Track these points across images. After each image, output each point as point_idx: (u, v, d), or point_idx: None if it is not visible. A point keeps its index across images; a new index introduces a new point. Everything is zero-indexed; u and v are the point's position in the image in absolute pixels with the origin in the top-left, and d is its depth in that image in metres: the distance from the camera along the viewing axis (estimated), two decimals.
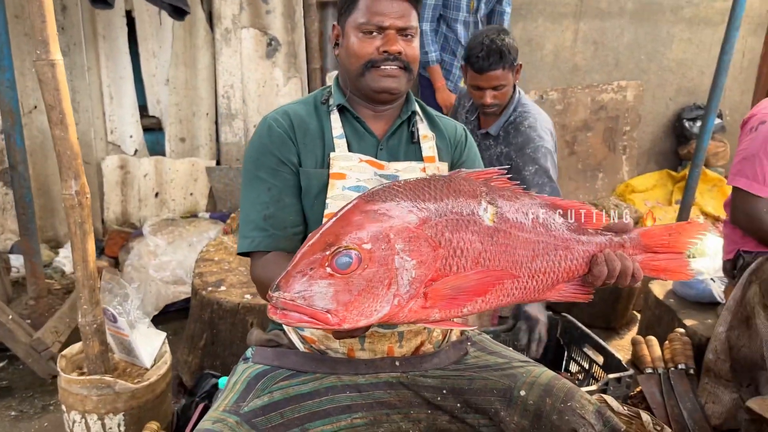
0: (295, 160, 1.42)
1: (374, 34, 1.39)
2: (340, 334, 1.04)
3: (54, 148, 1.66)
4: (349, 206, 1.00)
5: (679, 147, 4.84)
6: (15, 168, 2.53)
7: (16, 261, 2.98)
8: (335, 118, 1.46)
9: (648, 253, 1.21)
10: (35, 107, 3.12)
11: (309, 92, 3.50)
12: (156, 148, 3.44)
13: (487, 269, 1.02)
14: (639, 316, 3.00)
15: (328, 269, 0.92)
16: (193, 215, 3.46)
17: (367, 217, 0.96)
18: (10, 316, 2.28)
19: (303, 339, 1.40)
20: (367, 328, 1.03)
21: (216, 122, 3.43)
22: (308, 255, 0.94)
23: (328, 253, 0.92)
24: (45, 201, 3.23)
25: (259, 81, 3.44)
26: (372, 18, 1.38)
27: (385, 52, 1.37)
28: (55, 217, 3.28)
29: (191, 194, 3.48)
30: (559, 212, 1.14)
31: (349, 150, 1.45)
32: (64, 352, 1.91)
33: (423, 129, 1.50)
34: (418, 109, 1.52)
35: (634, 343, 2.41)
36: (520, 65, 2.33)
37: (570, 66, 4.31)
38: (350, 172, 1.40)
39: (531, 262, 1.07)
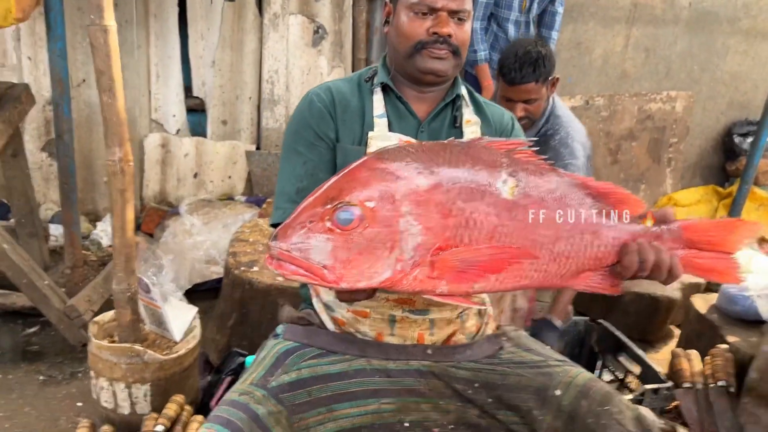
0: (332, 136, 1.41)
1: (426, 14, 1.37)
2: (342, 296, 1.00)
3: (101, 114, 1.67)
4: (358, 163, 0.96)
5: (727, 162, 4.69)
6: (61, 137, 2.57)
7: (56, 230, 3.03)
8: (378, 97, 1.44)
9: (691, 249, 1.09)
10: (84, 81, 3.16)
11: None
12: (197, 129, 3.46)
13: (503, 245, 0.95)
14: (677, 331, 2.91)
15: (328, 224, 0.88)
16: (229, 198, 3.47)
17: (374, 174, 0.92)
18: (46, 282, 2.31)
19: (333, 320, 1.38)
20: (372, 292, 0.99)
21: (258, 107, 3.44)
22: (310, 208, 0.91)
23: (329, 207, 0.89)
24: (87, 174, 3.28)
25: (303, 68, 3.43)
26: None
27: (435, 33, 1.34)
28: (95, 190, 3.33)
29: (229, 177, 3.49)
30: (590, 194, 1.05)
31: (390, 130, 1.43)
32: (96, 319, 1.93)
33: (468, 114, 1.46)
34: (464, 93, 1.48)
35: (674, 355, 2.32)
36: (557, 78, 2.24)
37: (618, 72, 4.21)
38: None
39: (553, 244, 0.99)
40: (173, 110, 3.35)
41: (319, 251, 0.87)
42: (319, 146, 1.40)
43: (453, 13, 1.36)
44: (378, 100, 1.44)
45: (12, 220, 2.80)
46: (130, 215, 1.72)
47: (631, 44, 4.16)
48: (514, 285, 0.99)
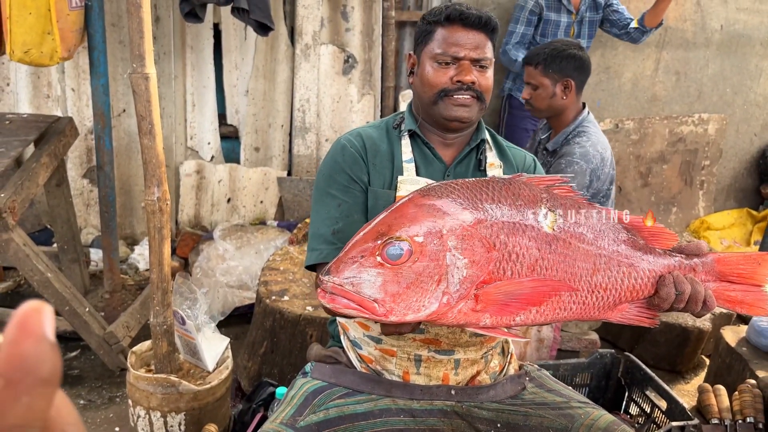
0: (365, 179, 1.46)
1: (449, 64, 1.42)
2: (387, 328, 1.03)
3: (141, 156, 1.76)
4: (405, 200, 1.00)
5: (762, 185, 4.62)
6: (102, 168, 2.68)
7: (95, 255, 3.15)
8: (405, 142, 1.50)
9: (722, 282, 1.12)
10: (124, 110, 3.29)
11: (381, 110, 3.59)
12: (231, 156, 3.56)
13: (544, 278, 0.99)
14: (707, 361, 2.88)
15: (379, 258, 0.92)
16: (261, 222, 3.56)
17: (421, 210, 0.96)
18: (87, 309, 2.41)
19: (360, 358, 1.43)
20: (416, 325, 1.02)
21: (290, 134, 3.53)
22: (360, 243, 0.94)
23: (379, 242, 0.92)
24: (125, 200, 3.40)
25: (334, 96, 3.51)
26: (448, 49, 1.42)
27: (458, 81, 1.40)
28: (133, 215, 3.45)
29: (261, 202, 3.58)
30: (625, 227, 1.08)
31: (417, 174, 1.48)
32: (134, 349, 2.01)
33: (491, 157, 1.51)
34: (488, 137, 1.53)
35: (701, 391, 2.31)
36: (568, 81, 2.28)
37: (649, 95, 4.19)
38: None
39: (591, 276, 1.02)
40: (208, 138, 3.46)
41: (370, 285, 0.91)
42: (354, 189, 1.45)
43: (475, 61, 1.41)
44: (406, 146, 1.50)
45: (55, 246, 2.92)
46: (167, 252, 1.80)
47: (661, 68, 4.15)
48: (553, 317, 1.02)
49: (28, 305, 0.29)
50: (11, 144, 2.44)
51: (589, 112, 2.41)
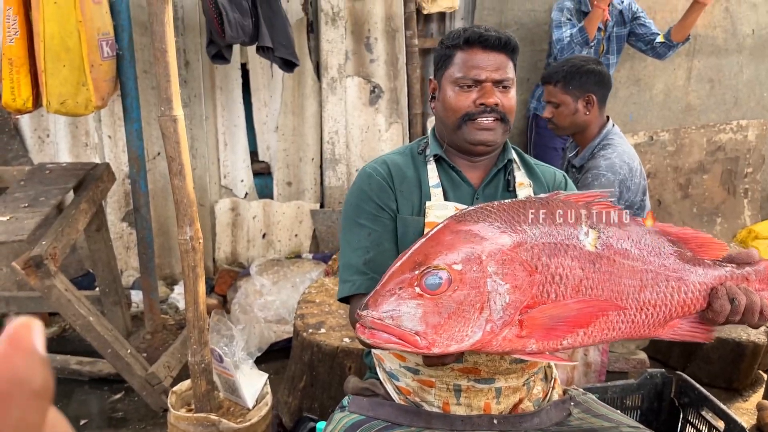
0: (393, 207, 1.45)
1: (471, 87, 1.41)
2: (430, 360, 1.00)
3: (173, 196, 1.79)
4: (440, 226, 0.97)
5: None
6: (138, 211, 2.74)
7: (136, 296, 3.20)
8: (432, 167, 1.48)
9: None
10: (159, 153, 3.37)
11: (410, 137, 3.59)
12: (264, 192, 3.60)
13: (590, 298, 0.94)
14: (765, 376, 2.74)
15: (417, 289, 0.89)
16: (297, 256, 3.57)
17: (458, 237, 0.93)
18: (129, 351, 2.43)
19: (398, 389, 1.40)
20: (460, 355, 0.99)
21: (321, 167, 3.55)
22: (397, 275, 0.92)
23: (417, 272, 0.90)
24: (164, 240, 3.46)
25: (362, 127, 3.54)
26: (469, 72, 1.40)
27: (482, 104, 1.38)
28: (172, 256, 3.50)
29: (296, 235, 3.60)
30: (671, 240, 1.03)
31: (445, 199, 1.46)
32: (174, 389, 2.01)
33: (520, 177, 1.48)
34: (515, 156, 1.51)
35: (760, 408, 2.19)
36: (590, 96, 2.26)
37: (683, 105, 4.10)
38: None
39: (639, 293, 0.97)
40: (241, 175, 3.51)
41: (410, 318, 0.88)
42: (383, 217, 1.44)
43: (497, 83, 1.40)
44: (432, 171, 1.48)
45: (97, 290, 2.98)
46: (202, 290, 1.82)
47: (693, 76, 4.06)
48: (602, 338, 0.98)
49: (18, 320, 0.30)
50: (51, 192, 2.51)
51: (614, 125, 2.38)
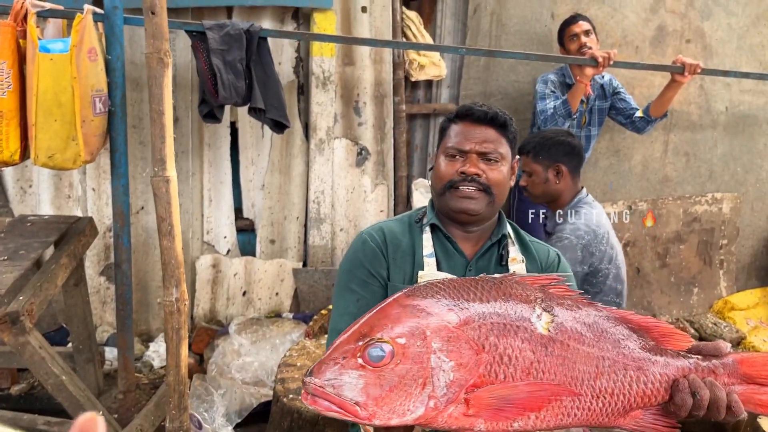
0: (384, 274, 1.46)
1: (457, 157, 1.47)
2: (378, 430, 0.98)
3: (160, 255, 1.77)
4: (390, 299, 0.98)
5: None
6: (120, 266, 2.70)
7: (110, 354, 3.11)
8: (427, 236, 1.51)
9: (750, 385, 1.02)
10: (142, 208, 3.35)
11: (395, 199, 3.63)
12: (247, 248, 3.58)
13: (541, 382, 0.93)
14: None
15: (360, 360, 0.89)
16: (277, 315, 3.52)
17: (404, 311, 0.93)
18: (101, 412, 2.35)
19: None
20: (410, 428, 0.97)
21: (305, 226, 3.56)
22: (343, 344, 0.92)
23: (361, 344, 0.90)
24: (141, 296, 3.39)
25: (348, 187, 3.57)
26: (456, 143, 1.47)
27: (462, 173, 1.43)
28: (149, 312, 3.43)
29: (277, 294, 3.56)
30: (631, 328, 1.01)
31: (438, 268, 1.48)
32: None
33: (513, 252, 1.51)
34: (510, 231, 1.54)
35: None
36: (559, 166, 2.37)
37: (660, 177, 4.22)
38: None
39: (594, 380, 0.96)
40: (224, 232, 3.49)
41: (351, 388, 0.88)
42: (372, 284, 1.45)
43: (482, 155, 1.45)
44: (427, 240, 1.51)
45: (70, 346, 2.90)
46: (185, 353, 1.78)
47: (670, 149, 4.20)
48: (556, 423, 0.96)
49: (85, 416, 0.34)
50: (32, 246, 2.47)
51: (587, 194, 2.46)
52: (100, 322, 3.37)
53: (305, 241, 3.58)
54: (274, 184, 3.48)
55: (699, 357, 1.03)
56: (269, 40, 2.80)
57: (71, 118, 2.37)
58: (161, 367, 3.17)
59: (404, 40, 3.53)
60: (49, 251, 2.65)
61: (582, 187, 2.46)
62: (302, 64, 3.46)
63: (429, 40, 3.62)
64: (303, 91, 3.48)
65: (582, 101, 3.29)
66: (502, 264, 1.49)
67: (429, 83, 3.81)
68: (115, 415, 2.57)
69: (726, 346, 1.04)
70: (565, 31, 3.33)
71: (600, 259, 2.30)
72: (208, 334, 3.35)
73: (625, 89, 3.50)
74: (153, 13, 1.60)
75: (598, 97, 3.41)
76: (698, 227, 4.29)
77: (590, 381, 0.96)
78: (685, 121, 4.18)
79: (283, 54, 3.39)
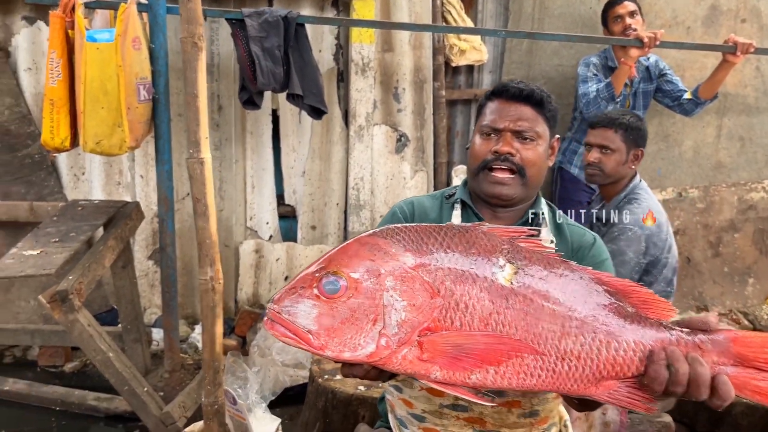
0: None
1: (491, 135, 1.44)
2: (343, 370, 0.98)
3: (196, 237, 1.82)
4: (356, 237, 0.99)
5: None
6: (164, 250, 2.79)
7: (157, 334, 3.22)
8: (456, 213, 1.50)
9: (747, 369, 0.93)
10: (188, 194, 3.44)
11: (435, 185, 3.61)
12: (289, 234, 3.64)
13: (499, 334, 0.91)
14: None
15: (315, 291, 0.91)
16: None
17: (363, 248, 0.94)
18: (145, 389, 2.44)
19: None
20: (379, 373, 0.97)
21: (345, 212, 3.59)
22: (304, 275, 0.94)
23: (317, 275, 0.92)
24: (187, 280, 3.50)
25: (387, 174, 3.57)
26: (490, 121, 1.44)
27: (495, 152, 1.40)
28: (195, 295, 3.53)
29: None
30: (608, 291, 0.96)
31: None
32: (186, 430, 2.01)
33: (544, 233, 1.47)
34: (544, 211, 1.50)
35: None
36: (641, 150, 2.32)
37: (712, 162, 4.06)
38: None
39: (559, 340, 0.91)
40: (266, 218, 3.56)
41: (305, 316, 0.90)
42: None
43: (517, 133, 1.42)
44: (456, 217, 1.49)
45: (119, 326, 3.02)
46: (219, 330, 1.83)
47: (723, 134, 4.03)
48: (519, 383, 0.93)
49: None
50: (81, 228, 2.58)
51: (641, 180, 2.39)
52: (148, 305, 3.49)
53: (345, 227, 3.61)
54: (315, 170, 3.53)
55: (684, 330, 0.95)
56: (309, 27, 2.82)
57: (117, 105, 2.46)
58: None
59: (444, 24, 3.51)
60: (99, 234, 2.76)
61: (636, 173, 2.40)
62: (342, 51, 3.48)
63: (470, 25, 3.58)
64: (342, 78, 3.50)
65: (626, 84, 3.19)
66: None
67: (470, 68, 3.77)
68: (161, 393, 2.67)
69: (716, 320, 0.96)
70: (609, 12, 3.23)
71: (661, 249, 2.24)
72: (250, 317, 3.43)
73: (672, 71, 3.38)
74: None
75: (643, 79, 3.31)
76: (754, 215, 4.10)
77: (554, 341, 0.92)
78: (741, 104, 4.00)
79: (323, 41, 3.42)
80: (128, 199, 3.37)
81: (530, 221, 1.48)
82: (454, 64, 3.61)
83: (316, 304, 0.91)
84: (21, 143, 3.23)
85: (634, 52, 3.00)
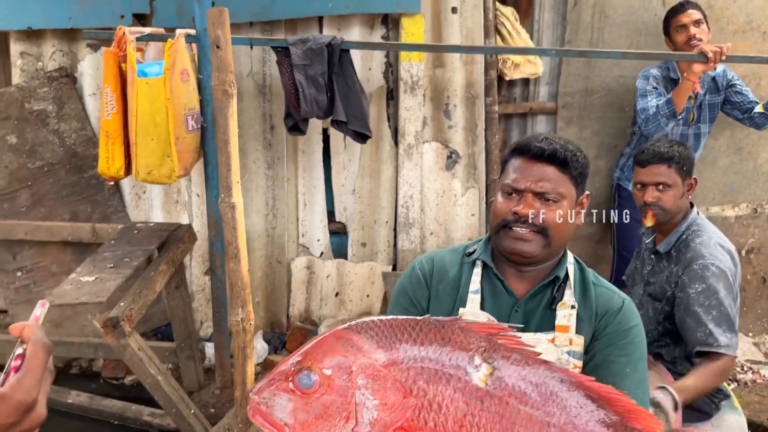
0: (425, 305, 1.46)
1: (513, 195, 1.39)
2: None
3: (227, 279, 1.86)
4: (331, 330, 0.98)
5: None
6: (214, 272, 2.87)
7: (211, 349, 3.33)
8: (477, 271, 1.47)
9: None
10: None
11: (486, 202, 3.54)
12: (340, 251, 3.67)
13: None
14: None
15: (291, 385, 0.90)
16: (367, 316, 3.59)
17: (337, 343, 0.93)
18: (192, 411, 2.53)
19: None
20: None
21: (394, 229, 3.58)
22: (281, 366, 0.94)
23: (293, 369, 0.91)
24: None
25: (437, 191, 3.54)
26: (512, 180, 1.40)
27: (515, 213, 1.35)
28: None
29: (367, 296, 3.63)
30: (590, 396, 0.91)
31: (482, 307, 1.43)
32: None
33: (567, 296, 1.41)
34: (571, 272, 1.44)
35: None
36: (695, 180, 2.20)
37: None
38: None
39: None
40: (318, 235, 3.60)
41: (282, 410, 0.90)
42: (412, 312, 1.45)
43: (539, 195, 1.36)
44: (476, 275, 1.46)
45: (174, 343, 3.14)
46: (251, 370, 1.87)
47: None
48: None
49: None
50: (135, 254, 2.69)
51: (698, 212, 2.26)
52: (204, 318, 3.61)
53: (395, 245, 3.60)
54: (365, 188, 3.53)
55: None
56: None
57: (166, 136, 2.55)
58: (258, 364, 3.35)
59: (498, 37, 3.42)
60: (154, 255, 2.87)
61: (691, 204, 2.27)
62: (392, 68, 3.46)
63: (525, 37, 3.47)
64: (392, 95, 3.48)
65: (690, 96, 3.01)
66: (552, 307, 1.41)
67: (526, 81, 3.66)
68: (212, 410, 2.76)
69: None
70: (671, 21, 3.05)
71: (735, 279, 2.13)
72: (301, 333, 3.49)
73: (742, 81, 3.15)
74: (218, 47, 1.67)
75: (710, 90, 3.11)
76: None
77: None
78: None
79: (373, 60, 3.41)
80: (185, 217, 3.50)
81: (553, 282, 1.43)
82: (507, 78, 3.52)
83: (291, 398, 0.91)
84: (87, 164, 3.40)
85: (697, 68, 2.82)
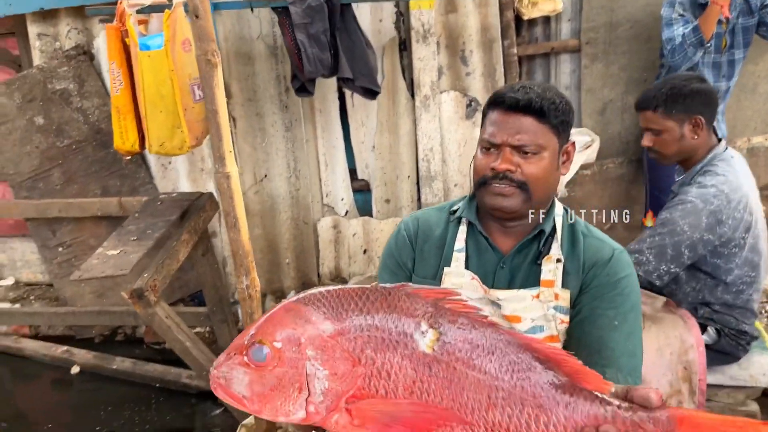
0: (410, 266, 1.45)
1: (491, 150, 1.34)
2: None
3: (230, 248, 1.89)
4: (282, 303, 0.99)
5: None
6: None
7: None
8: (462, 229, 1.44)
9: None
10: (266, 176, 3.56)
11: None
12: (365, 208, 3.67)
13: (426, 403, 0.89)
14: None
15: (245, 359, 0.92)
16: None
17: (287, 316, 0.94)
18: None
19: None
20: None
21: (417, 184, 3.54)
22: (238, 340, 0.96)
23: (246, 343, 0.93)
24: (272, 257, 3.66)
25: (459, 141, 3.46)
26: (488, 135, 1.34)
27: (492, 169, 1.31)
28: (281, 271, 3.69)
29: None
30: (538, 358, 0.90)
31: (467, 265, 1.41)
32: (244, 422, 2.14)
33: (554, 249, 1.37)
34: (558, 225, 1.39)
35: None
36: (698, 118, 2.02)
37: None
38: (460, 289, 1.35)
39: (486, 411, 0.88)
40: (341, 194, 3.60)
41: (239, 383, 0.92)
42: (399, 275, 1.45)
43: (516, 148, 1.31)
44: (461, 233, 1.44)
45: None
46: None
47: None
48: None
49: None
50: (157, 225, 2.76)
51: (726, 148, 2.10)
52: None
53: (419, 199, 3.57)
54: (384, 144, 3.49)
55: (622, 405, 0.88)
56: None
57: (174, 108, 2.57)
58: None
59: None
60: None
61: (720, 140, 2.12)
62: (402, 18, 3.35)
63: None
64: (405, 46, 3.39)
65: (720, 21, 2.80)
66: (537, 262, 1.36)
67: (547, 19, 3.50)
68: None
69: (658, 397, 0.86)
70: None
71: (734, 228, 1.98)
72: None
73: None
74: (197, 17, 1.64)
75: (742, 13, 2.88)
76: None
77: (481, 411, 0.88)
78: None
79: (383, 10, 3.31)
80: (212, 184, 3.55)
81: (539, 236, 1.38)
82: (526, 18, 3.36)
83: (246, 371, 0.93)
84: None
85: None
